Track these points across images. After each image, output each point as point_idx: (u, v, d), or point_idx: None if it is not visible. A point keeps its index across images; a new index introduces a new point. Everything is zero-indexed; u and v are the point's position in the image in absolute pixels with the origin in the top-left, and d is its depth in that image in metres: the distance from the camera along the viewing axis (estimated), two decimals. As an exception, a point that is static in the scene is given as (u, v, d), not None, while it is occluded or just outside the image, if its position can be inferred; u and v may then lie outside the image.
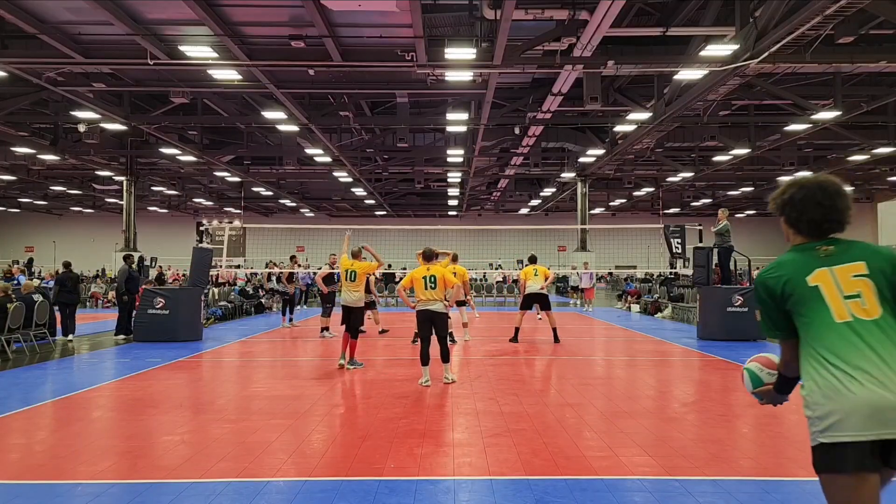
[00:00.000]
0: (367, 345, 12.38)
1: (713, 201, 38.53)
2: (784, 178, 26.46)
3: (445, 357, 8.27)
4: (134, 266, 13.45)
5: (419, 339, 8.40)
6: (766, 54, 11.27)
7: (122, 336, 13.16)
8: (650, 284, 25.12)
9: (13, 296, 11.27)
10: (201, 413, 6.74)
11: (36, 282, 17.62)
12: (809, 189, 2.40)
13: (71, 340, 12.72)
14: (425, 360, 8.13)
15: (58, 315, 13.14)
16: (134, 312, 13.26)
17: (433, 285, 8.11)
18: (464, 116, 19.23)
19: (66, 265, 13.67)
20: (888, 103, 18.15)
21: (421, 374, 8.19)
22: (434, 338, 8.19)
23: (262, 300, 21.30)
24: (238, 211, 40.25)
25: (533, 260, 13.18)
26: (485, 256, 37.86)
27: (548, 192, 34.60)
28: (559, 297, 29.98)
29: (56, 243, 44.55)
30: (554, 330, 12.46)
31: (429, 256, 8.57)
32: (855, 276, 2.27)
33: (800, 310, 2.31)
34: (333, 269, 13.62)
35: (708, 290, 13.44)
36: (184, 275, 21.38)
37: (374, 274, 11.59)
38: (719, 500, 4.21)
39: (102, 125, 19.18)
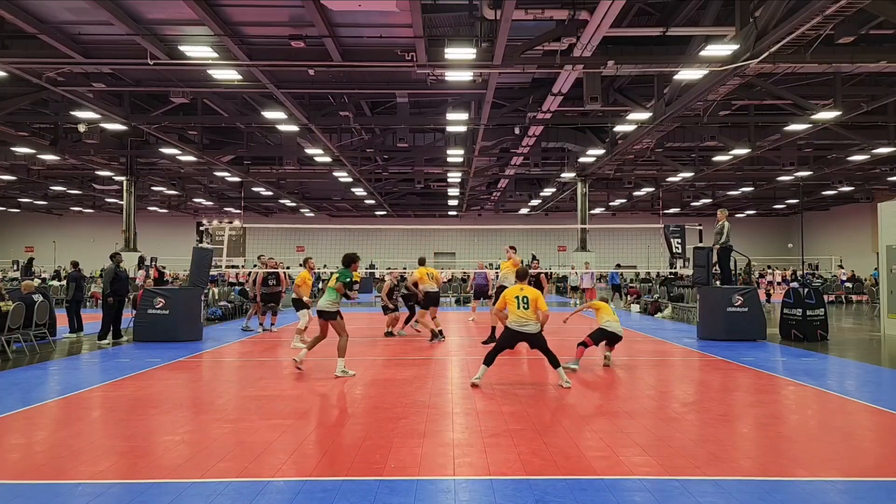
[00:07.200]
0: (367, 345, 12.38)
1: (713, 201, 38.52)
2: (784, 178, 26.41)
3: (556, 362, 8.05)
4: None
5: (492, 342, 7.97)
6: (766, 54, 11.28)
7: (106, 340, 12.46)
8: (650, 284, 25.11)
9: (6, 294, 11.41)
10: (201, 413, 6.74)
11: (37, 282, 17.69)
12: None
13: (78, 335, 13.20)
14: (490, 360, 8.01)
15: (59, 314, 13.34)
16: (133, 312, 13.23)
17: (526, 306, 7.84)
18: (464, 116, 19.23)
19: (75, 264, 14.13)
20: (888, 103, 18.16)
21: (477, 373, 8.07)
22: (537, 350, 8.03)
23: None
24: (238, 211, 40.28)
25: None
26: (484, 256, 37.86)
27: (548, 192, 34.61)
28: (559, 297, 29.97)
29: (56, 243, 44.59)
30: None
31: (524, 275, 8.29)
32: None
33: None
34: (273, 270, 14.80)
35: (708, 290, 13.42)
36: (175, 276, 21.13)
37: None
38: (719, 500, 4.21)
39: (102, 125, 19.20)
